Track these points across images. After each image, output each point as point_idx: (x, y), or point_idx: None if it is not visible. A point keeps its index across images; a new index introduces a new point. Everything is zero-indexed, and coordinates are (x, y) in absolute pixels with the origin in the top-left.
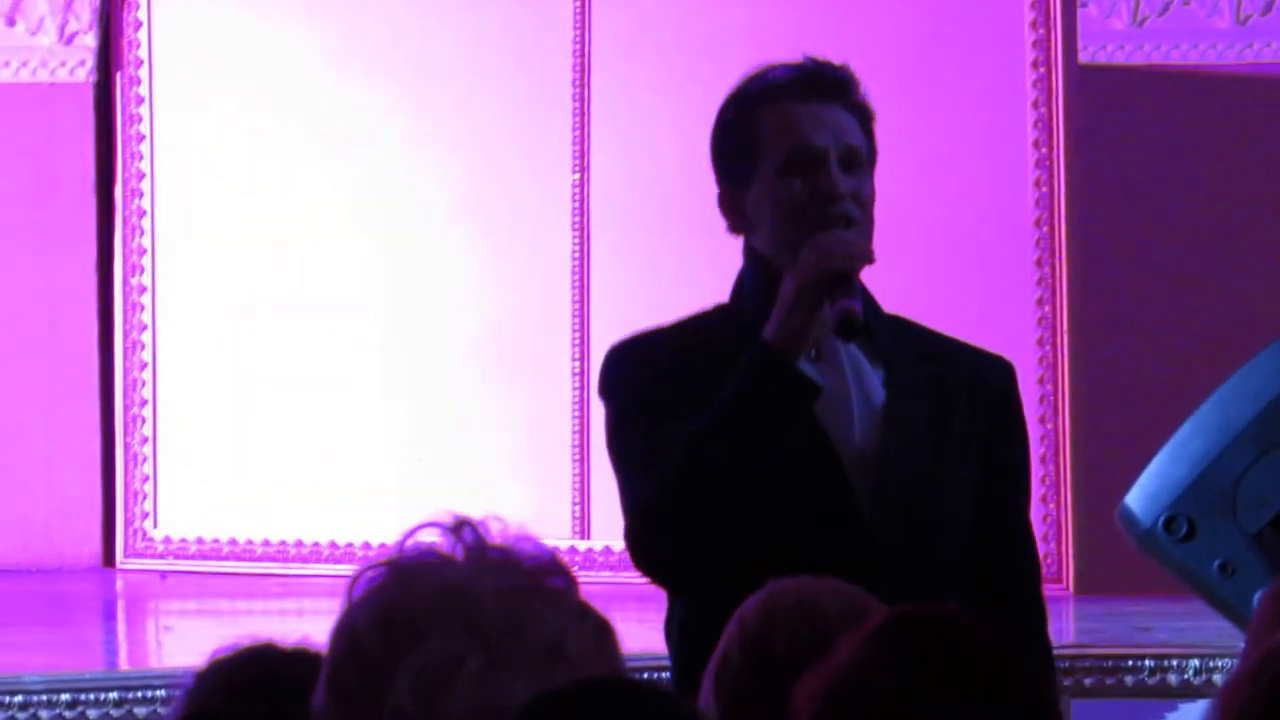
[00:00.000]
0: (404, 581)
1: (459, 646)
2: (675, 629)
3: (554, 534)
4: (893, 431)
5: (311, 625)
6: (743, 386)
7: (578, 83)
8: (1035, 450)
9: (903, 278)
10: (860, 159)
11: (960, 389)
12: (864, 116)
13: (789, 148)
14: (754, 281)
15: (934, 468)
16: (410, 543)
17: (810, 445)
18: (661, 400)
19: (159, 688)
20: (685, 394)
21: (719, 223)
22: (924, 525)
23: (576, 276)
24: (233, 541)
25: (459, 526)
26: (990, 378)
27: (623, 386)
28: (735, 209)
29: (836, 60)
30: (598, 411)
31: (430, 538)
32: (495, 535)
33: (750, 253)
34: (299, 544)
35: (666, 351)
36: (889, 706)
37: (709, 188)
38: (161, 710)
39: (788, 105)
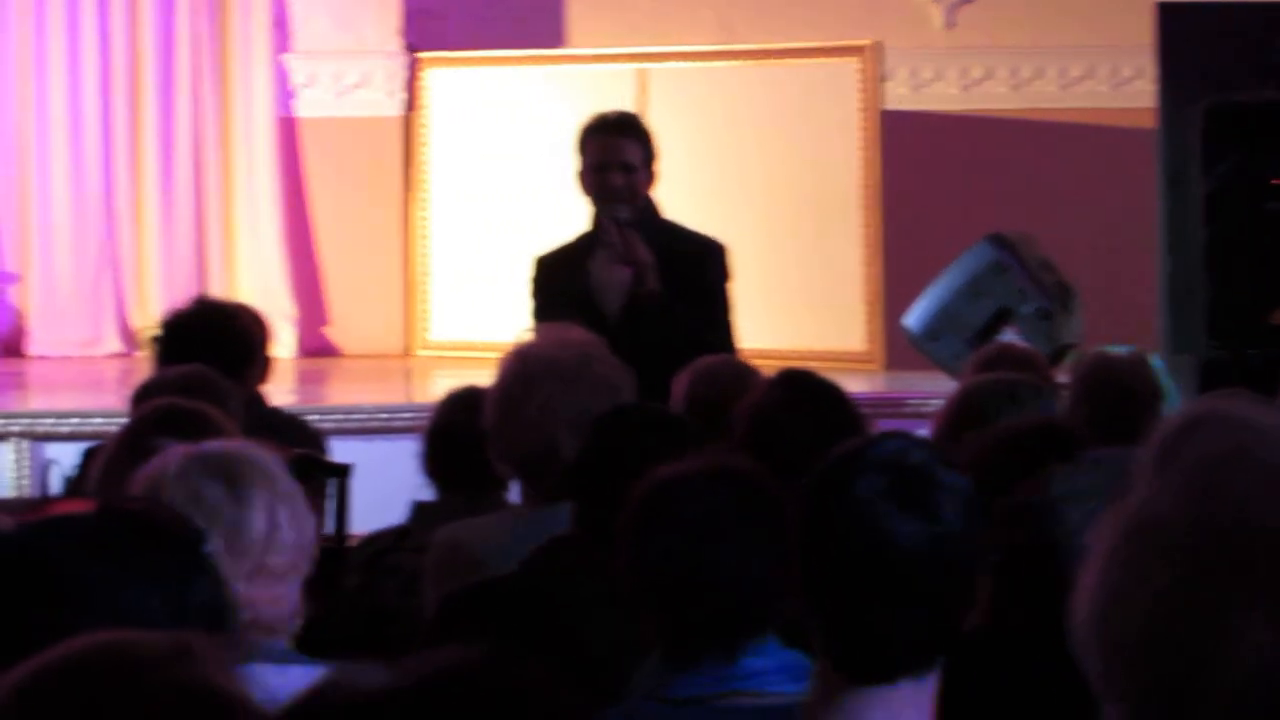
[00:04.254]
0: (522, 357)
1: (556, 385)
2: None
3: None
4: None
5: None
6: None
7: None
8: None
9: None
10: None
11: (681, 255)
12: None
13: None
14: None
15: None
16: (521, 337)
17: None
18: (538, 287)
19: (432, 410)
20: (548, 281)
21: None
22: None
23: None
24: (474, 342)
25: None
26: (702, 248)
27: (533, 277)
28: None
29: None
30: None
31: (530, 334)
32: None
33: None
34: None
35: (547, 258)
36: (776, 415)
37: None
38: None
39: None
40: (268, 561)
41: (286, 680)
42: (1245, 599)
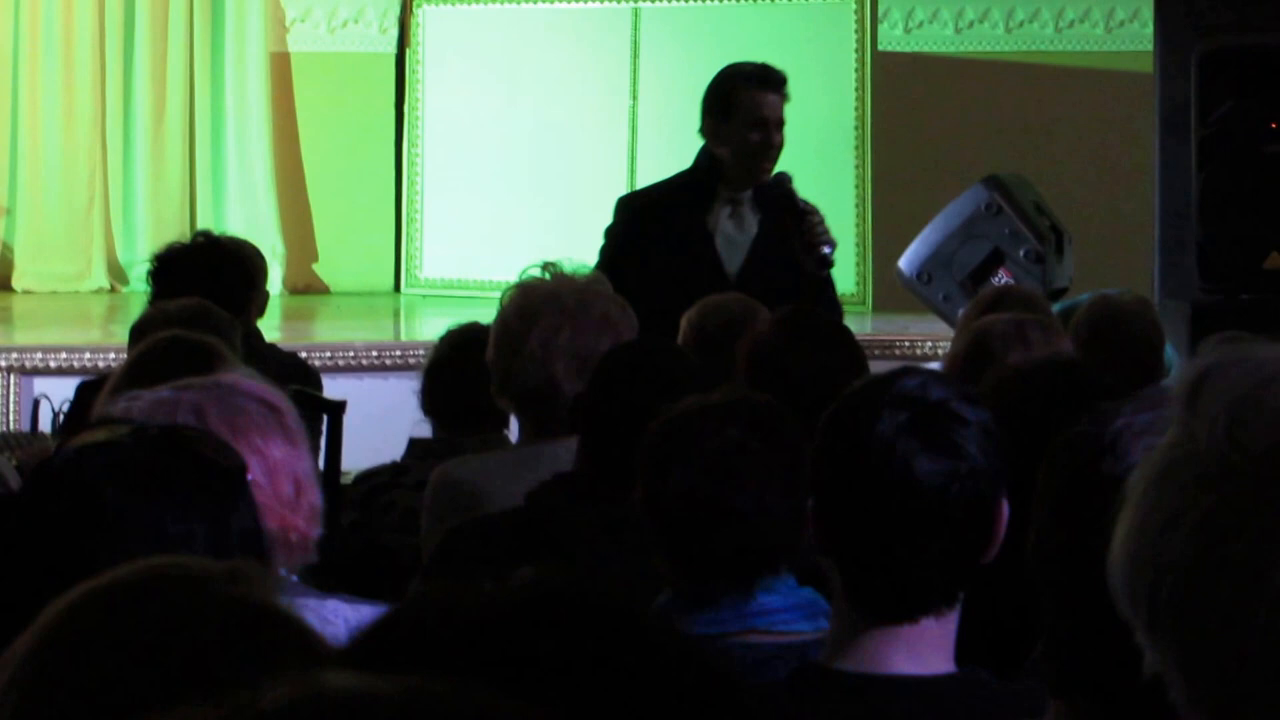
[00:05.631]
0: (525, 291)
1: (558, 320)
2: None
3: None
4: (755, 253)
5: None
6: None
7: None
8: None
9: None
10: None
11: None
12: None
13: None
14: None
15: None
16: (525, 273)
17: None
18: (630, 232)
19: (424, 347)
20: (647, 231)
21: None
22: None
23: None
24: (462, 281)
25: (546, 265)
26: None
27: (617, 219)
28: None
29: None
30: None
31: (535, 270)
32: (567, 266)
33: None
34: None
35: (644, 205)
36: (779, 352)
37: None
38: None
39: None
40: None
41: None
42: None
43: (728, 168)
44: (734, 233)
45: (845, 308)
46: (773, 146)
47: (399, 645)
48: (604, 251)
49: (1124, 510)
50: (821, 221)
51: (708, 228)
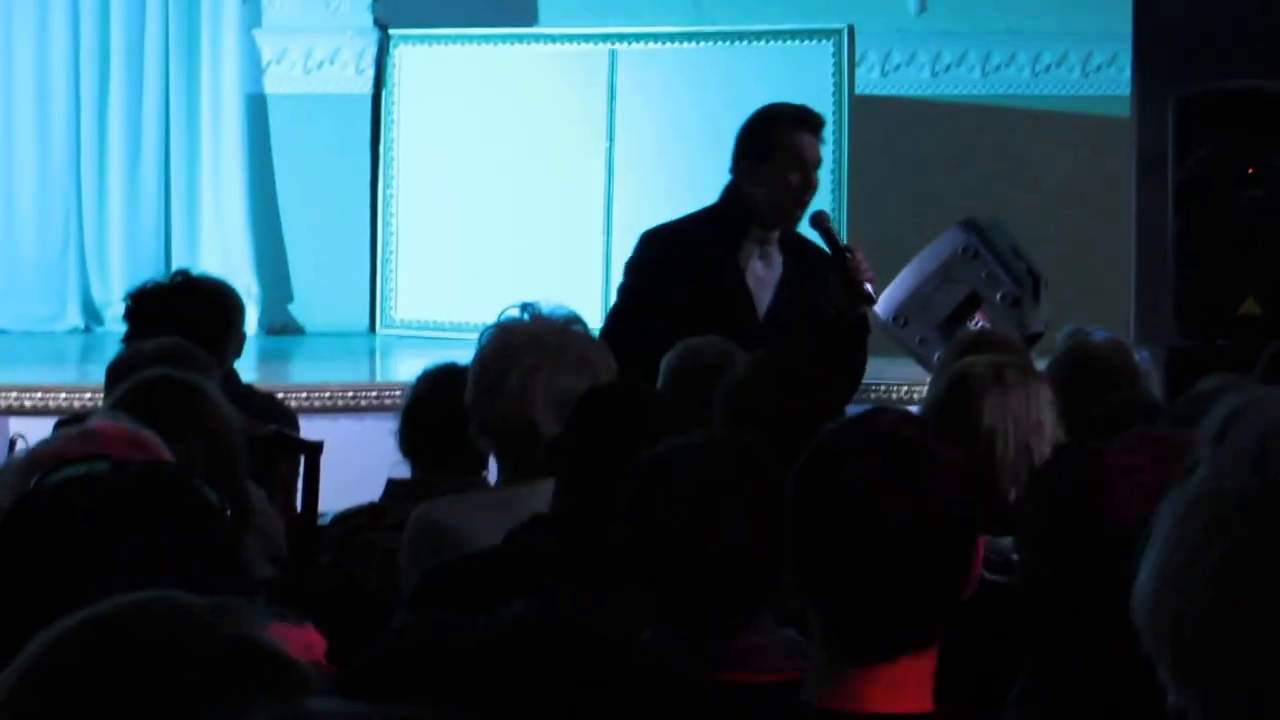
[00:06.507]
0: (504, 332)
1: (537, 360)
2: None
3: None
4: (780, 295)
5: None
6: None
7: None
8: None
9: None
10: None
11: (809, 261)
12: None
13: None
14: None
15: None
16: (504, 314)
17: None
18: (657, 266)
19: (399, 388)
20: (674, 267)
21: None
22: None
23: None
24: (438, 322)
25: (525, 305)
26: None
27: (641, 252)
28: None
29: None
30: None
31: (513, 311)
32: (545, 307)
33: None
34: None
35: (671, 240)
36: (756, 395)
37: None
38: (399, 399)
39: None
40: None
41: None
42: None
43: (762, 207)
44: (763, 273)
45: None
46: (811, 188)
47: (384, 674)
48: (625, 286)
49: (1149, 546)
50: (864, 259)
51: (739, 266)
